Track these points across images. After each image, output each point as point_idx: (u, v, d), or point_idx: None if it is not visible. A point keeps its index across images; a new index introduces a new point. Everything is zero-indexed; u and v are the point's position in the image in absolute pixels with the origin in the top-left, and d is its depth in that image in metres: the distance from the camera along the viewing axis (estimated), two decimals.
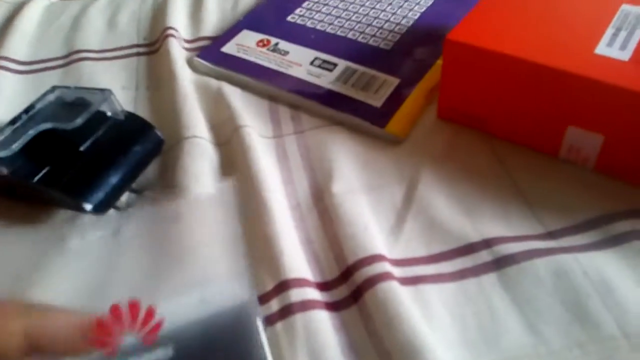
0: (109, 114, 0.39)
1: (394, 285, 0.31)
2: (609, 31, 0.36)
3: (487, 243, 0.34)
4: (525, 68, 0.35)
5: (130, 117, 0.40)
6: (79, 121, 0.36)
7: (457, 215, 0.36)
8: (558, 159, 0.38)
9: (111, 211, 0.37)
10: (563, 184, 0.37)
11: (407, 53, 0.48)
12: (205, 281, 0.32)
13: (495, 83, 0.38)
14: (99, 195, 0.35)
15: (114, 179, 0.36)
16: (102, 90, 0.39)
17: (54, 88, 0.40)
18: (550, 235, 0.34)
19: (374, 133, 0.42)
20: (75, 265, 0.35)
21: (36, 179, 0.35)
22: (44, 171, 0.36)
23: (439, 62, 0.46)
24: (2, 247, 0.33)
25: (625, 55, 0.34)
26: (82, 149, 0.37)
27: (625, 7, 0.38)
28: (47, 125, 0.36)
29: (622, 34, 0.36)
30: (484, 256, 0.33)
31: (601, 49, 0.35)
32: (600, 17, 0.37)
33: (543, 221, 0.35)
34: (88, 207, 0.35)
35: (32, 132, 0.35)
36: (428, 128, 0.42)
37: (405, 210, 0.37)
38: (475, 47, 0.37)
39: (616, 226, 0.34)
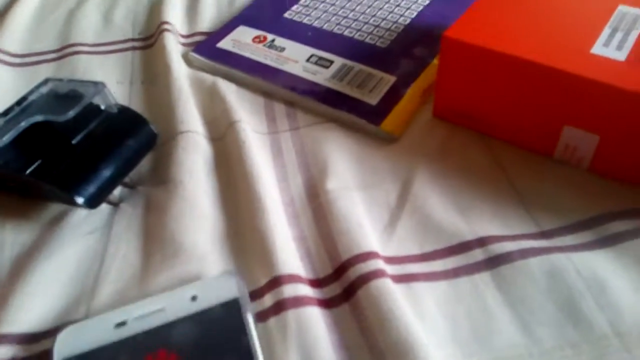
0: (102, 107, 0.38)
1: (387, 282, 0.31)
2: (606, 31, 0.36)
3: (481, 242, 0.34)
4: (522, 67, 0.35)
5: (124, 110, 0.39)
6: (71, 114, 0.36)
7: (452, 213, 0.36)
8: (553, 159, 0.38)
9: (103, 205, 0.37)
10: (558, 183, 0.37)
11: (404, 52, 0.48)
12: (196, 278, 0.32)
13: (491, 82, 0.37)
14: (91, 188, 0.35)
15: (106, 173, 0.36)
16: (95, 83, 0.38)
17: (47, 80, 0.39)
18: (545, 234, 0.34)
19: (369, 131, 0.42)
20: (66, 258, 0.35)
21: (28, 171, 0.35)
22: (35, 164, 0.35)
23: (435, 61, 0.46)
24: None
25: (622, 56, 0.34)
26: (74, 142, 0.36)
27: (622, 8, 0.38)
28: (39, 118, 0.35)
29: (619, 35, 0.36)
30: (478, 255, 0.33)
31: (597, 48, 0.35)
32: (597, 17, 0.37)
33: (537, 220, 0.35)
34: (80, 200, 0.34)
35: (23, 124, 0.35)
36: (423, 127, 0.42)
37: (399, 209, 0.37)
38: (472, 45, 0.36)
39: (610, 226, 0.34)
